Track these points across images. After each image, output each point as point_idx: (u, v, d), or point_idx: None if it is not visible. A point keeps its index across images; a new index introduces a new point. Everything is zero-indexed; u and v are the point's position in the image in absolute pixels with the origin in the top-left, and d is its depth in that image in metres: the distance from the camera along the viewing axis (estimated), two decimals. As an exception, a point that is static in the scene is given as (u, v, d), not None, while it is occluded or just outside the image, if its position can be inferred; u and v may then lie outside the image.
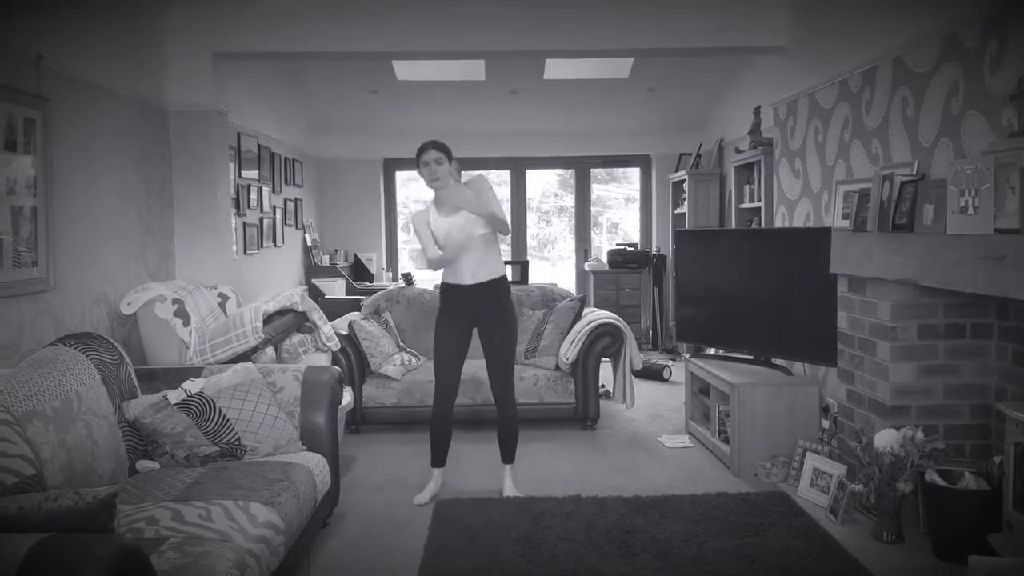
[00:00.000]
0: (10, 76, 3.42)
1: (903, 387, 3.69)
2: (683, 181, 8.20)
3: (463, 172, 4.14)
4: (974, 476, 3.31)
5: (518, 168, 9.65)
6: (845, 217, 4.38)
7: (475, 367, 5.47)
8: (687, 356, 5.49)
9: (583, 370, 5.40)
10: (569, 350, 5.41)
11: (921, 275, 3.32)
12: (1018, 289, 2.75)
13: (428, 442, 4.17)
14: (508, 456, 4.19)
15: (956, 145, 3.56)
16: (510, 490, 4.14)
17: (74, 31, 4.02)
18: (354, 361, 5.35)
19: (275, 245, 7.39)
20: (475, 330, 4.14)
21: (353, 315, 5.74)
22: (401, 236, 9.89)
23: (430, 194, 4.11)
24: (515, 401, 4.19)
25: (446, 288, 4.09)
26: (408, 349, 5.75)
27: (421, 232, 4.10)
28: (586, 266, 9.20)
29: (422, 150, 3.94)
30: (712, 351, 5.61)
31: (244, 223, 6.52)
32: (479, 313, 4.05)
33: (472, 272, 3.98)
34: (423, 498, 4.07)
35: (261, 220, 6.96)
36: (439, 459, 4.17)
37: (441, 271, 4.08)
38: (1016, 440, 3.02)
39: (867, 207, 3.96)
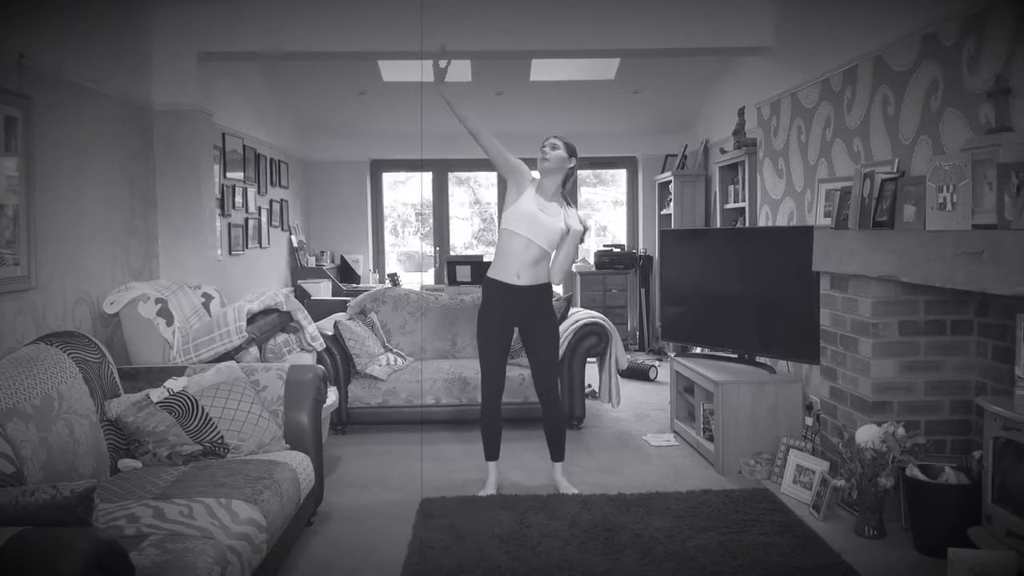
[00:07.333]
0: (-9, 74, 3.41)
1: (885, 383, 3.71)
2: (669, 182, 8.24)
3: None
4: (954, 471, 3.33)
5: (505, 170, 9.64)
6: (827, 215, 4.42)
7: (460, 367, 5.49)
8: (672, 355, 5.50)
9: (569, 370, 5.41)
10: (555, 350, 5.41)
11: (902, 271, 3.35)
12: (996, 284, 2.78)
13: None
14: (560, 454, 4.24)
15: (935, 142, 3.59)
16: (566, 488, 4.17)
17: (57, 30, 4.00)
18: (339, 361, 5.33)
19: (260, 246, 7.36)
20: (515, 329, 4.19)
21: (339, 315, 5.73)
22: (388, 239, 9.88)
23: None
24: (560, 401, 4.28)
25: (492, 284, 4.08)
26: (394, 349, 5.74)
27: (504, 153, 4.04)
28: (573, 267, 9.21)
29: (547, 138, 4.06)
30: (697, 350, 5.63)
31: (229, 224, 6.49)
32: (524, 315, 4.08)
33: (518, 273, 4.01)
34: (488, 492, 4.13)
35: (246, 221, 6.94)
36: (492, 453, 4.22)
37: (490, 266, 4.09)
38: (995, 434, 3.04)
39: (848, 205, 3.99)
